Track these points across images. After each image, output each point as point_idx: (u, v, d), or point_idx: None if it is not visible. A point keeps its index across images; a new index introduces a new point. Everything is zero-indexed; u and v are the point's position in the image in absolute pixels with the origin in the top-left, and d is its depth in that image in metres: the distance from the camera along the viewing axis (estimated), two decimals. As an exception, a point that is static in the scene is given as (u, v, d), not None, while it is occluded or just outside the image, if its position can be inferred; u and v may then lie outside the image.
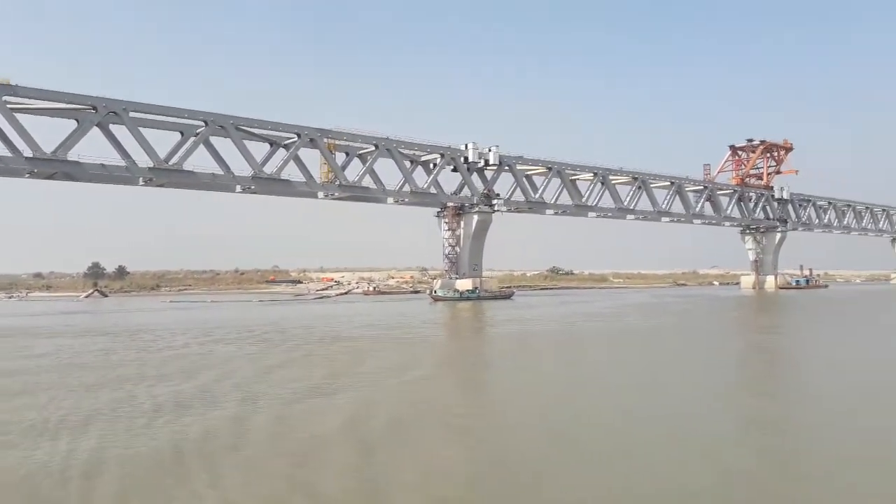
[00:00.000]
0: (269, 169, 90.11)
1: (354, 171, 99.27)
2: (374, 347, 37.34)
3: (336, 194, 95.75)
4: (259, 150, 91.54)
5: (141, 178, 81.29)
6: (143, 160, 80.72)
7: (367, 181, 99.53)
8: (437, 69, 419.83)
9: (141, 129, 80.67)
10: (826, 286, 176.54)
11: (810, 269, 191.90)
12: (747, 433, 16.67)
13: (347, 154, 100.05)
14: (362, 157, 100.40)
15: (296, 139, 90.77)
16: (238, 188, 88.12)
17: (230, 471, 13.31)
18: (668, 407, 19.99)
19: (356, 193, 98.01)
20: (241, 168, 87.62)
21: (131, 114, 79.22)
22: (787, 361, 32.29)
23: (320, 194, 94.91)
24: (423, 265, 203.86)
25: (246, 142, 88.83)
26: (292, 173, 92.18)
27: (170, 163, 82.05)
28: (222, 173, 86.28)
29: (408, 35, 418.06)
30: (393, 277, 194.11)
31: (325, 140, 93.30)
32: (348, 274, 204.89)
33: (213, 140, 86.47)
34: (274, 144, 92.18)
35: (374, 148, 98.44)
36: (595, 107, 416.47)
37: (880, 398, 20.65)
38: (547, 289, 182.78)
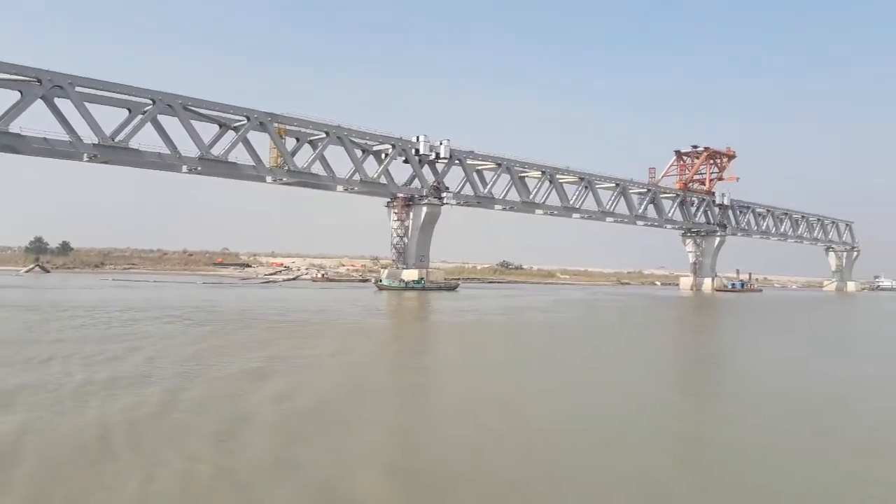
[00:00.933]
0: (218, 151, 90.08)
1: (305, 157, 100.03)
2: (307, 331, 38.73)
3: (284, 179, 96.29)
4: (208, 131, 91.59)
5: (85, 154, 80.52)
6: (88, 136, 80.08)
7: (318, 168, 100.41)
8: (434, 69, 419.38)
9: (87, 104, 79.93)
10: (760, 290, 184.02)
11: (749, 274, 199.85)
12: (653, 421, 18.62)
13: (298, 140, 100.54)
14: (313, 144, 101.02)
15: (245, 122, 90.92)
16: (184, 168, 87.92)
17: (152, 436, 14.63)
18: (576, 393, 22.06)
19: (305, 179, 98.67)
20: (188, 148, 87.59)
21: (77, 88, 78.41)
22: (697, 358, 34.90)
23: (268, 178, 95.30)
24: (376, 254, 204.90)
25: (195, 122, 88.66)
26: (241, 156, 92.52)
27: (116, 140, 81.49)
28: (169, 153, 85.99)
29: (406, 35, 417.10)
30: (344, 265, 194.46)
31: (276, 124, 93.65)
32: (299, 260, 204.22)
33: (161, 119, 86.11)
34: (223, 126, 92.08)
35: (324, 135, 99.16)
36: (595, 107, 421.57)
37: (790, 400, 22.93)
38: (495, 282, 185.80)
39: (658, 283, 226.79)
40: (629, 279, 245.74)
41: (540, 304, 78.48)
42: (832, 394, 23.03)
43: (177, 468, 12.40)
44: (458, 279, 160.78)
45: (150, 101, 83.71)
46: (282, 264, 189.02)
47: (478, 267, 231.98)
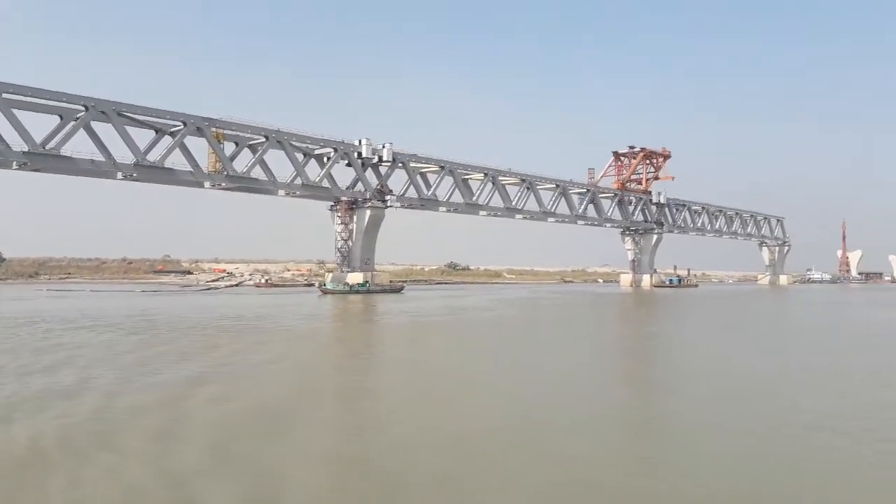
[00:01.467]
0: (154, 157, 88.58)
1: (247, 161, 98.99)
2: (245, 337, 38.91)
3: (223, 184, 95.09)
4: (145, 137, 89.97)
5: (15, 163, 78.11)
6: (18, 143, 77.81)
7: (258, 172, 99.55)
8: (414, 68, 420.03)
9: (15, 111, 77.64)
10: (696, 285, 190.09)
11: (688, 269, 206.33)
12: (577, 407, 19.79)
13: (237, 144, 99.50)
14: (253, 148, 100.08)
15: (182, 127, 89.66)
16: (119, 175, 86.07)
17: (86, 439, 14.96)
18: (522, 392, 23.17)
19: (244, 184, 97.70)
20: (123, 155, 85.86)
21: (4, 95, 76.09)
22: (629, 350, 36.49)
23: (206, 184, 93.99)
24: (323, 258, 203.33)
25: (131, 129, 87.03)
26: (178, 161, 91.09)
27: (47, 147, 79.38)
28: (103, 159, 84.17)
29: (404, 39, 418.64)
30: (289, 270, 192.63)
31: (213, 129, 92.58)
32: (243, 265, 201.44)
33: (95, 125, 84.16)
34: (159, 132, 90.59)
35: (264, 139, 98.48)
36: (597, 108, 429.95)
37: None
38: (442, 283, 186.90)
39: (600, 280, 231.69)
40: (573, 277, 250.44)
41: (482, 303, 79.85)
42: (764, 389, 23.48)
43: (108, 468, 12.86)
44: (406, 281, 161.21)
45: (83, 108, 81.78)
46: (224, 271, 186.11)
47: (426, 269, 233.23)
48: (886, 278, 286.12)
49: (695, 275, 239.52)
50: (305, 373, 26.35)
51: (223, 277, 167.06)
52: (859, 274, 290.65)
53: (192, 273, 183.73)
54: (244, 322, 49.32)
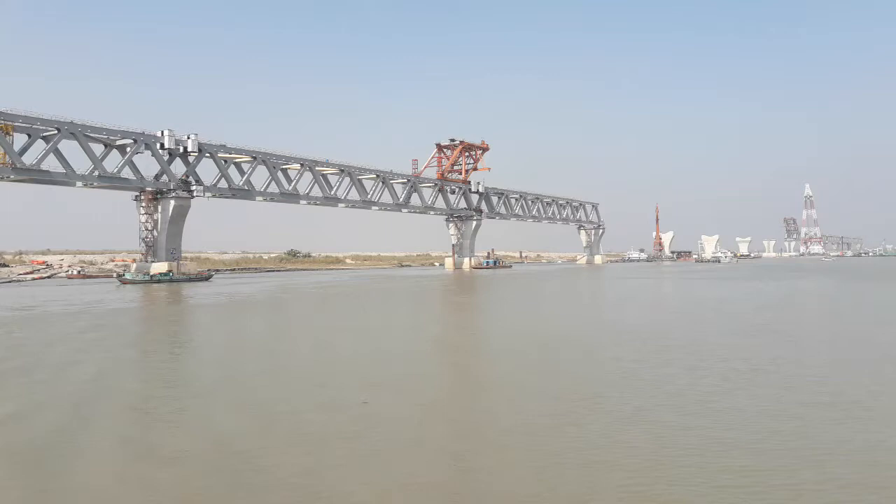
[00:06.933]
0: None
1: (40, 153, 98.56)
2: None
3: (12, 177, 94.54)
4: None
5: None
6: None
7: (55, 165, 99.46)
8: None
9: None
10: (510, 266, 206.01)
11: (520, 252, 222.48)
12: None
13: (30, 136, 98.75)
14: (48, 140, 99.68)
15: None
16: None
17: None
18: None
19: (35, 177, 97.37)
20: None
21: None
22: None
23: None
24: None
25: None
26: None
27: None
28: None
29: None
30: (114, 260, 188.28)
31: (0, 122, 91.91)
32: (69, 257, 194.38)
33: None
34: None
35: (57, 131, 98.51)
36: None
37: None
38: (273, 270, 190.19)
39: (437, 263, 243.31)
40: (413, 261, 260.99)
41: (266, 289, 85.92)
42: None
43: None
44: (234, 269, 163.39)
45: None
46: (44, 262, 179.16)
47: (264, 256, 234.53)
48: (693, 257, 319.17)
49: (527, 256, 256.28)
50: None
51: (38, 269, 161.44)
52: (671, 253, 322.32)
53: (6, 266, 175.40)
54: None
